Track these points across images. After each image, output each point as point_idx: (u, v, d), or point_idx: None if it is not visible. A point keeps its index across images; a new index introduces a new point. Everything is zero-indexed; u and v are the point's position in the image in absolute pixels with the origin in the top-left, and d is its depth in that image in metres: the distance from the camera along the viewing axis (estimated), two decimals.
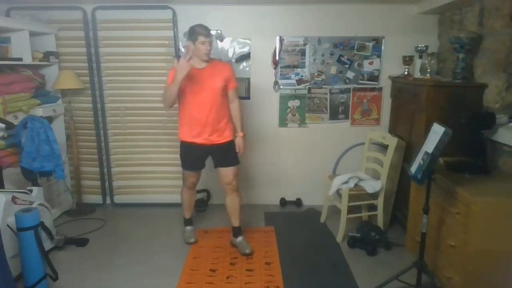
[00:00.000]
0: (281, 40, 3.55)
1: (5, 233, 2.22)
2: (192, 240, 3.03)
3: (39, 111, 3.18)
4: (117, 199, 3.87)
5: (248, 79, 3.63)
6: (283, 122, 3.72)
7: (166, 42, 3.55)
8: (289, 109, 3.70)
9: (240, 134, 2.83)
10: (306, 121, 3.71)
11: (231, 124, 2.83)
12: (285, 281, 2.51)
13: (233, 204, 2.90)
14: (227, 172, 2.81)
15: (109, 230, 3.32)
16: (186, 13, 3.49)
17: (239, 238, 2.94)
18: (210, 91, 2.66)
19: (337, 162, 3.77)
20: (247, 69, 3.61)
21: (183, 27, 3.50)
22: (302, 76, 3.62)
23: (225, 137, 2.78)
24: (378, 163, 3.19)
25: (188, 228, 3.14)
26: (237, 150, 2.83)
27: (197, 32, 2.61)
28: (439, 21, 3.44)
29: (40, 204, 2.69)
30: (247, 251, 2.84)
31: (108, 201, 3.88)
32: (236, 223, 2.94)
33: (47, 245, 2.66)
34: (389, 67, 3.55)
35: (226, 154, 2.80)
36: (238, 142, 2.83)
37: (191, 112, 2.70)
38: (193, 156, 2.82)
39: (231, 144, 2.81)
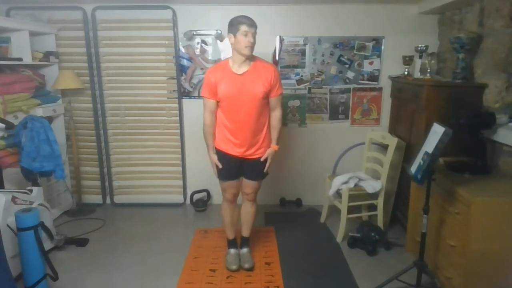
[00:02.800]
0: (281, 40, 3.55)
1: (5, 233, 2.22)
2: (234, 267, 2.62)
3: (39, 111, 3.18)
4: (117, 199, 3.87)
5: None
6: (283, 122, 3.70)
7: (166, 42, 3.55)
8: (289, 109, 3.69)
9: (275, 147, 2.54)
10: (306, 121, 3.71)
11: (269, 136, 2.53)
12: (285, 281, 2.51)
13: (247, 212, 2.71)
14: (249, 185, 2.60)
15: (109, 230, 3.32)
16: (186, 13, 3.49)
17: (244, 250, 2.76)
18: (249, 100, 2.34)
19: (337, 162, 3.77)
20: None
21: (183, 27, 3.52)
22: (302, 76, 3.62)
23: (262, 153, 2.51)
24: (378, 163, 3.19)
25: (232, 251, 2.74)
26: (262, 159, 2.52)
27: (239, 21, 2.26)
28: (439, 21, 3.44)
29: (40, 204, 2.69)
30: (246, 265, 2.64)
31: (108, 201, 3.88)
32: (245, 233, 2.77)
33: (47, 245, 2.66)
34: (389, 67, 3.55)
35: (256, 167, 2.55)
36: (270, 153, 2.52)
37: (227, 122, 2.42)
38: (229, 165, 2.51)
39: (265, 160, 2.55)
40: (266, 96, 2.40)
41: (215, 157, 2.51)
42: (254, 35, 2.29)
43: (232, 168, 2.53)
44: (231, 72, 2.35)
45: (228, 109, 2.39)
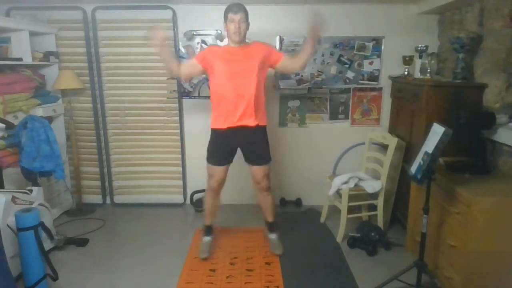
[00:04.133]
0: (281, 40, 3.54)
1: (5, 233, 2.22)
2: (204, 255, 2.76)
3: (39, 111, 3.18)
4: (117, 199, 3.87)
5: None
6: (283, 122, 3.72)
7: (166, 42, 3.54)
8: (289, 109, 3.69)
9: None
10: (306, 121, 3.71)
11: (265, 111, 2.68)
12: (285, 281, 2.51)
13: (264, 202, 2.85)
14: (257, 172, 2.68)
15: (109, 230, 3.32)
16: (186, 13, 3.49)
17: (272, 236, 2.92)
18: (246, 70, 2.49)
19: (337, 162, 3.77)
20: None
21: (183, 27, 3.52)
22: (302, 76, 3.62)
23: (259, 120, 2.58)
24: (378, 163, 3.19)
25: (206, 239, 2.89)
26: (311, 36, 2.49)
27: (226, 10, 2.49)
28: (439, 21, 3.44)
29: (40, 204, 2.69)
30: (277, 252, 2.81)
31: (108, 201, 3.88)
32: (269, 218, 2.90)
33: (47, 245, 2.66)
34: (389, 67, 3.55)
35: (257, 147, 2.65)
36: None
37: (224, 93, 2.52)
38: (221, 147, 2.63)
39: (263, 134, 2.66)
40: (262, 69, 2.55)
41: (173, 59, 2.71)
42: (241, 21, 2.45)
43: (224, 150, 2.65)
44: (228, 47, 2.60)
45: (225, 79, 2.50)
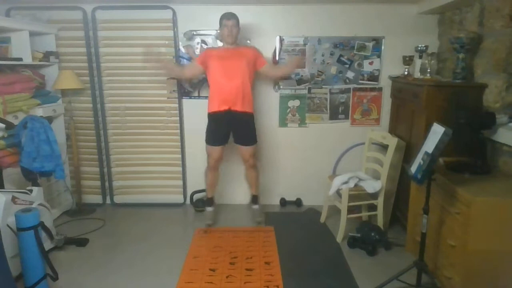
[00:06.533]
0: (281, 40, 3.54)
1: (5, 233, 2.22)
2: (209, 222, 3.26)
3: (39, 111, 3.18)
4: (117, 199, 3.87)
5: None
6: (283, 122, 3.72)
7: (166, 42, 3.55)
8: (289, 109, 3.70)
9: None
10: (306, 121, 3.71)
11: (251, 102, 3.14)
12: (285, 281, 2.51)
13: (251, 176, 3.36)
14: (245, 151, 3.18)
15: (109, 230, 3.32)
16: (186, 13, 3.49)
17: (255, 206, 3.41)
18: (236, 65, 3.00)
19: (337, 162, 3.77)
20: None
21: (183, 27, 3.52)
22: (302, 76, 3.62)
23: (247, 108, 3.07)
24: (378, 163, 3.19)
25: (209, 209, 3.36)
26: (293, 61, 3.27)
27: (221, 17, 3.02)
28: (439, 21, 3.44)
29: (40, 204, 2.69)
30: (258, 219, 3.30)
31: (108, 201, 3.88)
32: (253, 191, 3.42)
33: (47, 245, 2.66)
34: (389, 67, 3.55)
35: (245, 130, 3.13)
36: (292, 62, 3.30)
37: (218, 82, 3.03)
38: (216, 130, 3.11)
39: (250, 119, 3.14)
40: (250, 68, 3.06)
41: (176, 68, 3.32)
42: (233, 26, 2.99)
43: (220, 132, 3.12)
44: (223, 48, 3.16)
45: (220, 73, 3.01)
